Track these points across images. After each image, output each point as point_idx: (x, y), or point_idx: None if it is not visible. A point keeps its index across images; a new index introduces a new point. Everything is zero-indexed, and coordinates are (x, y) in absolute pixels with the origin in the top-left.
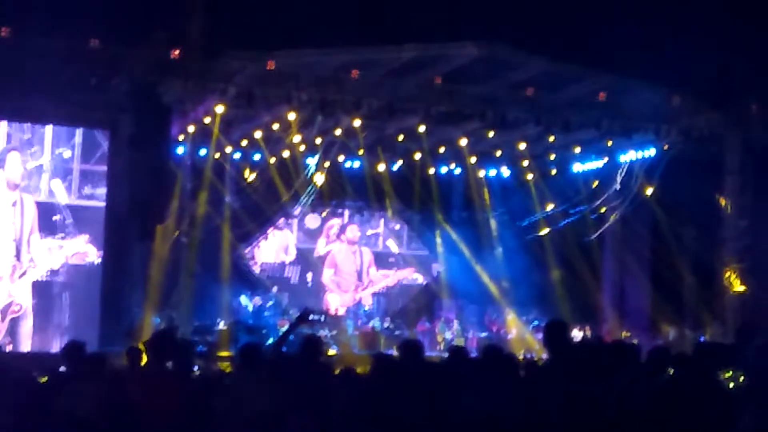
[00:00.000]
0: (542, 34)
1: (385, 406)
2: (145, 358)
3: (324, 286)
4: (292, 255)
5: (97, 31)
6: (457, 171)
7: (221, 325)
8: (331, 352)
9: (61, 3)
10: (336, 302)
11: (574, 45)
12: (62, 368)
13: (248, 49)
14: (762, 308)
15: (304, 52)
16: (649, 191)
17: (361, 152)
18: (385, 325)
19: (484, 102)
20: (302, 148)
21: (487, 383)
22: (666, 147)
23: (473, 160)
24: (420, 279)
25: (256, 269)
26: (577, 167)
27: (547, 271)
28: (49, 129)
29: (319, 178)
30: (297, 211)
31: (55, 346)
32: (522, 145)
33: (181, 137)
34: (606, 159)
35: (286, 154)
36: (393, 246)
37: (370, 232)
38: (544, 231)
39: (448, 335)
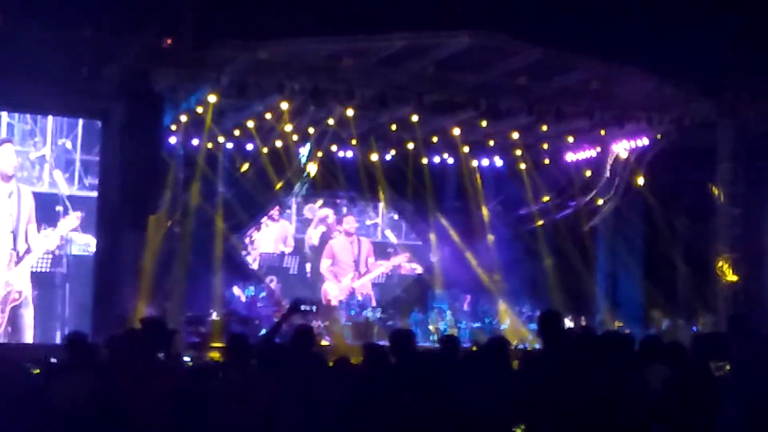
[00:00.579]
0: (535, 23)
1: (376, 395)
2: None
3: (322, 276)
4: (290, 245)
5: (88, 20)
6: (450, 161)
7: (214, 316)
8: (324, 342)
9: None
10: (334, 292)
11: (567, 34)
12: (53, 359)
13: (240, 38)
14: (754, 298)
15: (296, 41)
16: (642, 181)
17: (353, 142)
18: (378, 315)
19: (476, 91)
20: (295, 137)
21: (480, 373)
22: (659, 136)
23: (466, 149)
24: (418, 268)
25: (254, 259)
26: (570, 157)
27: (540, 261)
28: (50, 119)
29: (312, 168)
30: (290, 201)
31: (57, 337)
32: (515, 135)
33: (173, 127)
34: (599, 148)
35: (278, 143)
36: (391, 236)
37: (368, 222)
38: (539, 223)
39: (441, 325)
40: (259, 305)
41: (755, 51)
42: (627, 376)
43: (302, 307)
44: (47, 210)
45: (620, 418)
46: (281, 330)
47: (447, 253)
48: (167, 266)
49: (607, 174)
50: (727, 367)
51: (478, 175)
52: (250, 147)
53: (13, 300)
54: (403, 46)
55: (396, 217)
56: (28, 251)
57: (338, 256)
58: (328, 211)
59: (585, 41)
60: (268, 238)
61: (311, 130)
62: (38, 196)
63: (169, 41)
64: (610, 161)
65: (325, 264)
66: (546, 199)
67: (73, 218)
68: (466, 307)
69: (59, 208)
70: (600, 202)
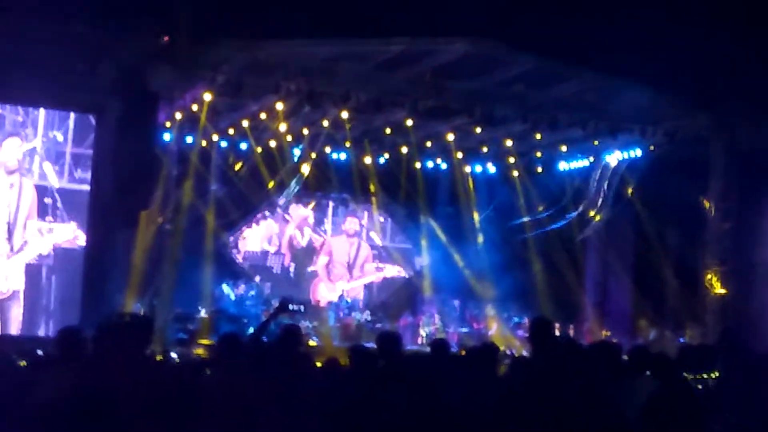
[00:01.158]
0: (531, 32)
1: (363, 397)
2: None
3: (315, 274)
4: (275, 245)
5: (85, 15)
6: (444, 166)
7: (203, 313)
8: (312, 343)
9: None
10: (324, 292)
11: (563, 44)
12: (39, 352)
13: (237, 37)
14: (742, 311)
15: (293, 43)
16: (634, 192)
17: (347, 144)
18: (367, 317)
19: (471, 98)
20: (289, 138)
21: (468, 377)
22: (651, 148)
23: (460, 155)
24: (398, 274)
25: (240, 258)
26: (563, 166)
27: (530, 268)
28: (42, 112)
29: (305, 169)
30: (282, 201)
31: (41, 330)
32: (508, 142)
33: (167, 124)
34: (592, 159)
35: (272, 143)
36: (376, 238)
37: (347, 224)
38: (531, 233)
39: (430, 330)
40: (247, 304)
41: (750, 67)
42: (613, 386)
43: (291, 307)
44: (37, 202)
45: (605, 428)
46: (269, 329)
47: (437, 258)
48: (157, 263)
49: (600, 184)
50: (713, 377)
51: (470, 181)
52: (244, 146)
53: (1, 293)
54: (400, 51)
55: (382, 219)
56: (23, 245)
57: (335, 255)
58: (309, 212)
59: (581, 52)
60: (254, 236)
61: (305, 131)
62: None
63: (166, 38)
64: (602, 172)
65: (321, 262)
66: (540, 209)
67: (69, 230)
68: (454, 311)
69: (48, 201)
70: (592, 213)
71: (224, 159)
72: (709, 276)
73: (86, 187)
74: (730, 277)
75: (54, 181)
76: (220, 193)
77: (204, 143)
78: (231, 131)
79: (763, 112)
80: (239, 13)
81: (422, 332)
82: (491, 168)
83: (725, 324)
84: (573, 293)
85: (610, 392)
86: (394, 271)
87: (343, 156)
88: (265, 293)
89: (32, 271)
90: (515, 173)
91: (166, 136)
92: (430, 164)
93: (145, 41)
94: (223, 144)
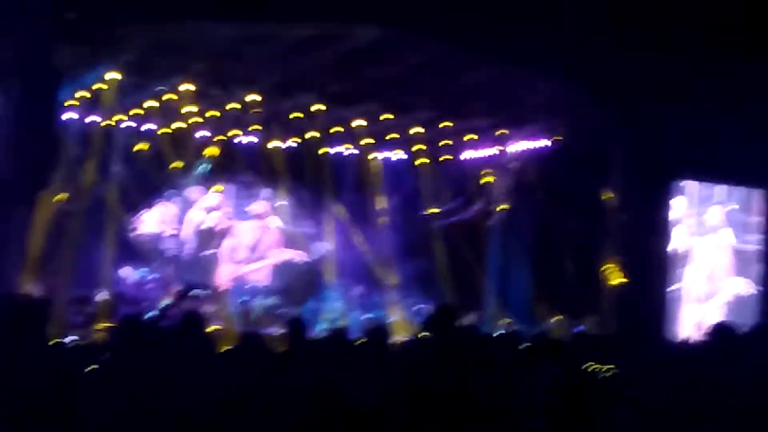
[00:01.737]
0: (441, 19)
1: (263, 383)
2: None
3: (215, 258)
4: (174, 228)
5: None
6: (351, 152)
7: (101, 297)
8: (214, 328)
9: None
10: (226, 276)
11: (472, 33)
12: None
13: (143, 16)
14: (638, 301)
15: (200, 23)
16: (537, 182)
17: (254, 128)
18: (270, 302)
19: (379, 84)
20: (194, 120)
21: (367, 365)
22: (556, 139)
23: (367, 142)
24: (302, 258)
25: (140, 241)
26: (469, 155)
27: (433, 255)
28: None
29: (211, 152)
30: (186, 183)
31: None
32: (416, 130)
33: (70, 103)
34: (497, 148)
35: (177, 125)
36: (281, 222)
37: (254, 207)
38: (434, 216)
39: (332, 315)
40: (147, 287)
41: (655, 61)
42: (515, 372)
43: (193, 292)
44: None
45: (506, 413)
46: (170, 313)
47: (341, 243)
48: (56, 244)
49: (504, 174)
50: (613, 366)
51: (377, 168)
52: (148, 127)
53: None
54: (308, 35)
55: (285, 203)
56: None
57: (239, 239)
58: (214, 195)
59: (489, 42)
60: (152, 219)
61: (212, 114)
62: None
63: (70, 16)
64: (507, 161)
65: (226, 245)
66: (435, 211)
67: None
68: (357, 298)
69: None
70: (497, 204)
71: (128, 140)
72: (607, 266)
73: None
74: (628, 268)
75: None
76: (122, 175)
77: (108, 123)
78: (136, 112)
79: (666, 104)
80: None
81: (325, 318)
82: (398, 156)
83: (622, 314)
84: (475, 281)
85: (512, 378)
86: (298, 255)
87: (250, 139)
88: (165, 277)
89: None
90: (422, 161)
91: (69, 115)
92: (337, 150)
93: (48, 18)
94: (127, 125)
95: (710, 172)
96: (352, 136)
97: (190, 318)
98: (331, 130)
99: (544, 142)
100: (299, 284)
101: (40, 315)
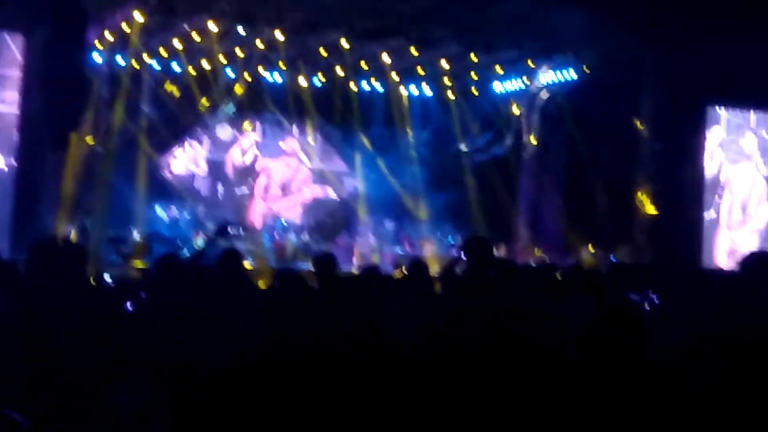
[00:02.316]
0: None
1: (295, 320)
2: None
3: (247, 196)
4: (202, 167)
5: None
6: (379, 88)
7: (136, 236)
8: (248, 265)
9: None
10: (260, 213)
11: None
12: None
13: None
14: (671, 230)
15: None
16: (568, 113)
17: (282, 66)
18: (302, 239)
19: (407, 19)
20: (222, 59)
21: (404, 298)
22: (586, 69)
23: (395, 77)
24: (333, 195)
25: (172, 180)
26: (498, 87)
27: (464, 189)
28: None
29: (239, 90)
30: (215, 122)
31: None
32: (444, 64)
33: (98, 44)
34: (527, 80)
35: (205, 64)
36: (306, 160)
37: (284, 145)
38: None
39: (365, 250)
40: (181, 226)
41: None
42: (551, 304)
43: (229, 230)
44: None
45: (546, 346)
46: (207, 252)
47: (372, 179)
48: (88, 185)
49: (534, 105)
50: (652, 296)
51: (406, 103)
52: (176, 67)
53: None
54: None
55: (311, 141)
56: None
57: (272, 176)
58: (256, 137)
59: None
60: (184, 159)
61: (239, 53)
62: None
63: None
64: (537, 93)
65: (259, 183)
66: (475, 131)
67: None
68: (389, 233)
69: None
70: (527, 136)
71: (156, 80)
72: (640, 195)
73: (8, 110)
74: (661, 197)
75: None
76: (152, 115)
77: (135, 64)
78: (163, 52)
79: (696, 32)
80: None
81: (358, 253)
82: (427, 90)
83: (656, 243)
84: (506, 213)
85: (548, 311)
86: (329, 192)
87: (277, 77)
88: (199, 215)
89: None
90: (451, 95)
91: (97, 57)
92: (365, 86)
93: None
94: (155, 65)
95: (744, 99)
96: (380, 72)
97: (229, 255)
98: (359, 66)
99: (574, 73)
100: (331, 221)
101: (79, 256)
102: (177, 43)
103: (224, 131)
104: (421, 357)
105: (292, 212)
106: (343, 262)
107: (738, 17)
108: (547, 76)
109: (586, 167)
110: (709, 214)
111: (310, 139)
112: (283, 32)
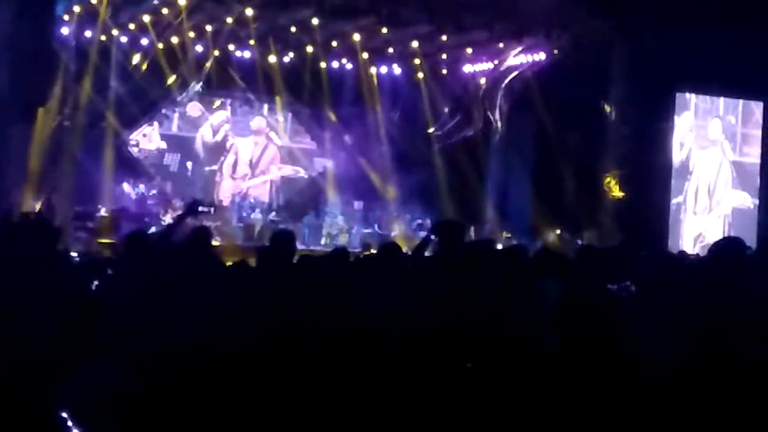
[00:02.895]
0: None
1: (272, 299)
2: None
3: (215, 173)
4: (173, 143)
5: None
6: (349, 66)
7: (103, 212)
8: (215, 243)
9: None
10: (228, 191)
11: None
12: None
13: None
14: (638, 214)
15: None
16: (537, 95)
17: (252, 42)
18: (270, 218)
19: None
20: (191, 34)
21: (374, 278)
22: (555, 52)
23: (365, 56)
24: (302, 173)
25: (140, 156)
26: (468, 68)
27: (433, 170)
28: None
29: (208, 67)
30: (183, 98)
31: None
32: (414, 44)
33: (66, 17)
34: (496, 61)
35: (174, 40)
36: (275, 138)
37: (253, 123)
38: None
39: (333, 230)
40: (149, 203)
41: None
42: (523, 286)
43: (200, 208)
44: None
45: (517, 327)
46: (176, 229)
47: (341, 159)
48: (55, 160)
49: (504, 87)
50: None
51: (375, 82)
52: (145, 42)
53: None
54: None
55: (281, 119)
56: None
57: (240, 154)
58: (227, 113)
59: None
60: (153, 135)
61: (208, 28)
62: None
63: None
64: (506, 74)
65: (227, 161)
66: (445, 111)
67: None
68: (357, 213)
69: None
70: (499, 120)
71: (124, 55)
72: (607, 179)
73: None
74: (628, 181)
75: None
76: (120, 90)
77: (104, 38)
78: (132, 26)
79: (665, 17)
80: None
81: (326, 232)
82: (397, 69)
83: (623, 227)
84: (474, 195)
85: (522, 293)
86: (297, 171)
87: (247, 54)
88: (167, 192)
89: None
90: (420, 75)
91: (65, 30)
92: (335, 64)
93: None
94: (124, 39)
95: (711, 85)
96: (350, 51)
97: (198, 233)
98: (329, 45)
99: (544, 55)
100: (299, 200)
101: (47, 231)
102: (146, 18)
103: (193, 108)
104: (393, 337)
105: (260, 190)
106: (311, 243)
107: (709, 3)
108: (517, 58)
109: (555, 150)
110: (677, 200)
111: (279, 117)
112: (252, 8)
